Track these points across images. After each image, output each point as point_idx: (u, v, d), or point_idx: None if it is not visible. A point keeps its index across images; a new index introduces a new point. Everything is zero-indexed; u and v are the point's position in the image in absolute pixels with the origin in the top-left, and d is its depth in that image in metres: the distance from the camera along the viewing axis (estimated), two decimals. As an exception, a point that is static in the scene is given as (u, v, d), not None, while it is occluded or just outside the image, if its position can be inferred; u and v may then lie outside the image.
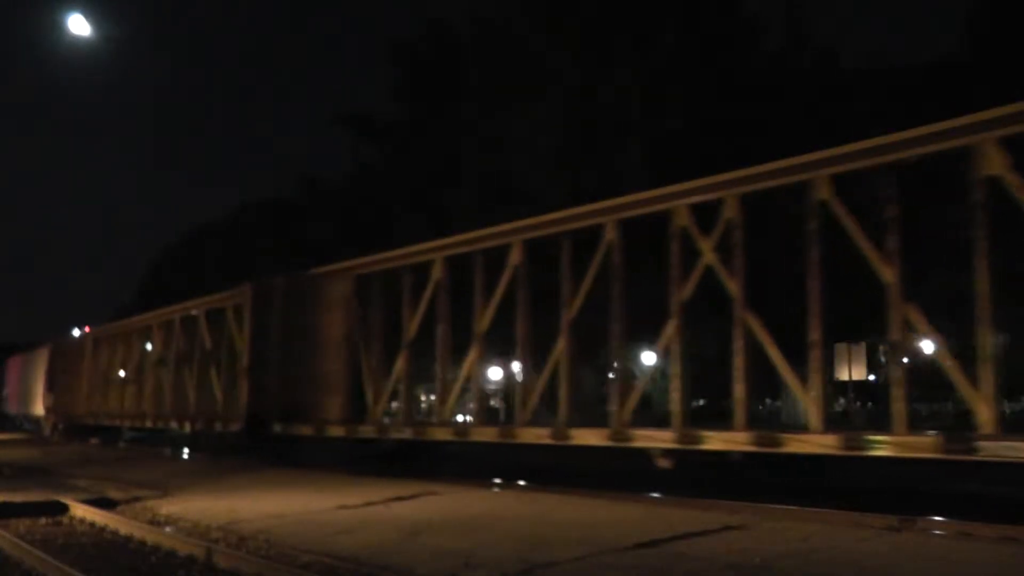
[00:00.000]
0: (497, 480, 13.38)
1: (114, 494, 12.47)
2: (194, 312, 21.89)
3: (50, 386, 32.19)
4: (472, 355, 13.99)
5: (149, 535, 9.16)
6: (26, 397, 38.53)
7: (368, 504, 10.68)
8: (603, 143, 23.74)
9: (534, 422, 12.85)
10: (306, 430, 16.44)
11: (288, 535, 8.70)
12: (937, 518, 8.81)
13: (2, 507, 11.02)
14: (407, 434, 14.76)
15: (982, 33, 21.82)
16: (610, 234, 11.66)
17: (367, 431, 15.40)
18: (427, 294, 14.55)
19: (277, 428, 16.78)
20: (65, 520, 10.81)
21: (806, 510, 9.34)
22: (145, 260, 75.40)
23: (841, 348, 20.54)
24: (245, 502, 11.33)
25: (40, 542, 9.06)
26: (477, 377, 14.60)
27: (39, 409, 35.20)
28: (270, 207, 42.37)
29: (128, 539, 9.32)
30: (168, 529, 9.64)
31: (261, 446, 17.32)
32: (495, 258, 13.43)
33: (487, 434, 13.41)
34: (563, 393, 12.36)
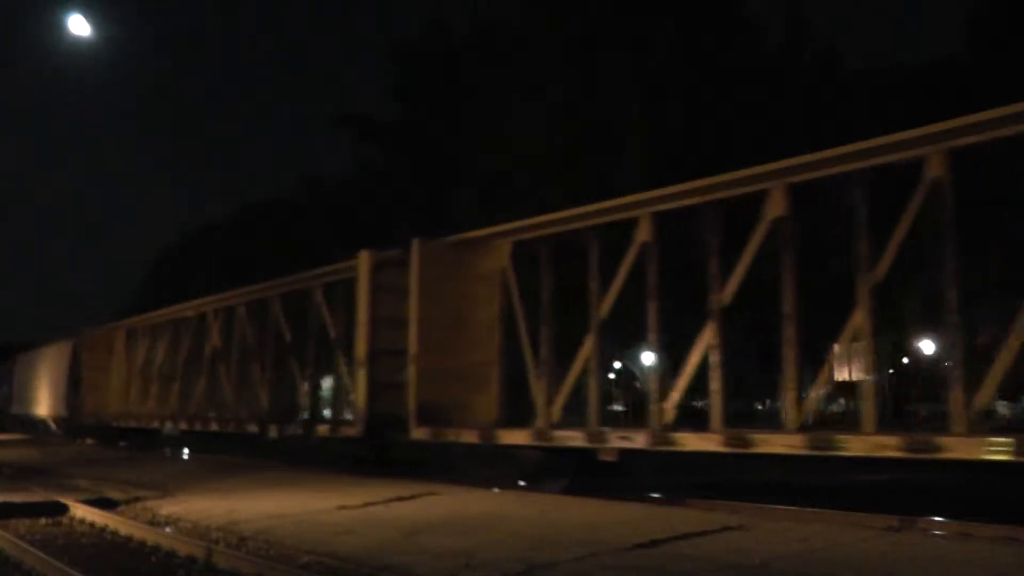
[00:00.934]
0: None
1: (114, 494, 12.46)
2: (263, 296, 18.75)
3: (74, 384, 28.13)
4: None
5: (149, 535, 9.16)
6: (33, 396, 35.64)
7: (368, 504, 10.68)
8: (603, 143, 23.74)
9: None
10: (468, 436, 12.63)
11: (288, 535, 8.70)
12: (937, 518, 8.81)
13: (2, 507, 11.02)
14: (580, 441, 11.47)
15: (982, 33, 21.82)
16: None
17: (567, 438, 11.62)
18: (628, 260, 11.56)
19: (419, 434, 13.21)
20: (65, 520, 10.81)
21: (806, 510, 9.35)
22: (145, 260, 75.35)
23: (843, 349, 20.49)
24: (245, 502, 11.33)
25: (40, 542, 9.06)
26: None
27: (46, 409, 32.37)
28: (270, 207, 42.38)
29: (128, 539, 9.32)
30: (168, 529, 9.64)
31: (387, 456, 14.29)
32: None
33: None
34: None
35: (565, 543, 7.76)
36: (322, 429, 15.82)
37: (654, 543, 7.58)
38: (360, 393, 14.15)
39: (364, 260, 14.42)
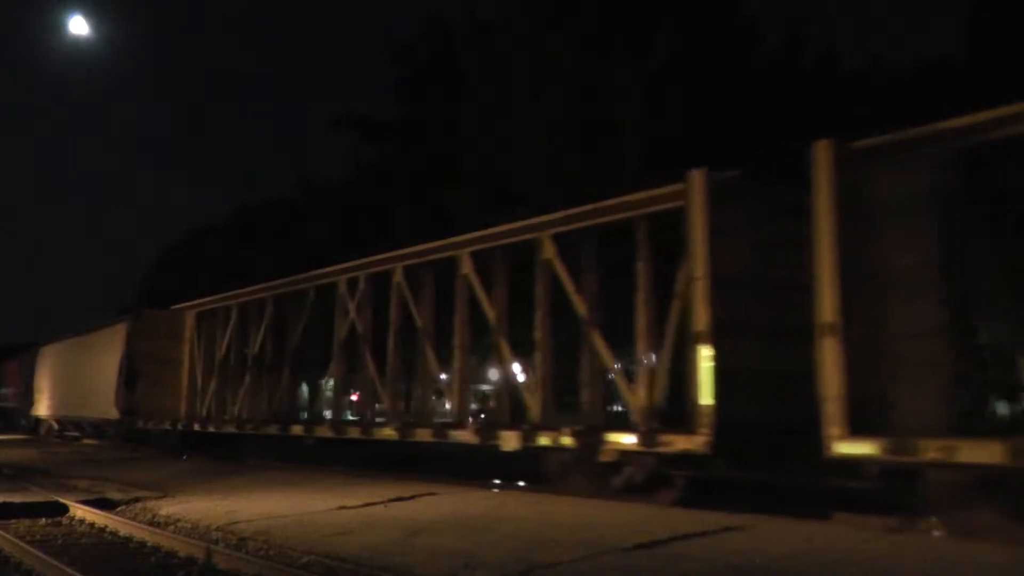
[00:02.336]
0: (497, 481, 13.37)
1: (114, 495, 12.46)
2: (408, 263, 15.01)
3: (128, 381, 22.60)
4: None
5: (149, 536, 9.16)
6: (67, 396, 30.05)
7: (368, 505, 10.68)
8: (603, 143, 23.73)
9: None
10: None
11: (288, 536, 8.70)
12: (937, 519, 8.79)
13: (2, 507, 11.02)
14: None
15: (982, 33, 21.82)
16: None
17: None
18: None
19: (858, 448, 8.16)
20: (65, 521, 10.81)
21: (806, 511, 9.33)
22: (145, 260, 75.34)
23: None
24: (245, 503, 11.34)
25: (40, 542, 9.07)
26: None
27: (92, 410, 26.20)
28: (270, 207, 42.33)
29: (128, 540, 9.32)
30: (168, 530, 9.63)
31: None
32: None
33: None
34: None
35: (565, 543, 7.75)
36: (618, 442, 10.65)
37: (654, 543, 7.58)
38: (701, 385, 9.64)
39: (697, 184, 10.01)
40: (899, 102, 20.10)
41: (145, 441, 23.08)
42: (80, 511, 11.01)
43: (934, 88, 20.10)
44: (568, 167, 23.61)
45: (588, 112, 24.18)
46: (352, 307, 16.17)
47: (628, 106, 23.49)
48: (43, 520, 10.74)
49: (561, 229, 12.17)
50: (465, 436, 12.96)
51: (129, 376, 22.69)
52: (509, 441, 12.01)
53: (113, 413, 23.66)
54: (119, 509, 11.38)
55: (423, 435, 13.85)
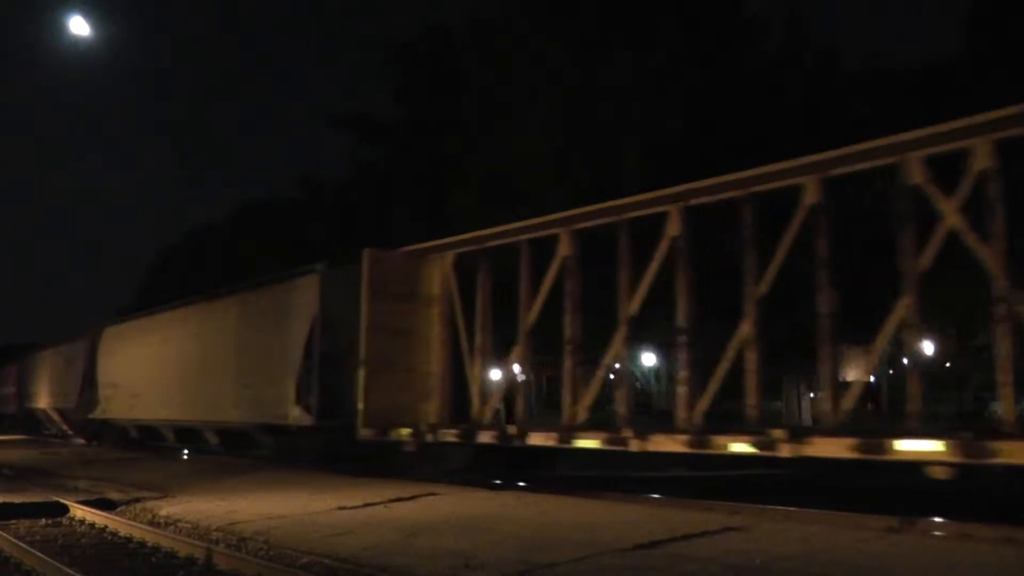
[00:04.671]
0: (497, 481, 13.36)
1: (114, 495, 12.47)
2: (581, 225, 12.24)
3: (325, 365, 15.39)
4: None
5: (149, 536, 9.16)
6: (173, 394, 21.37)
7: (368, 505, 10.68)
8: (603, 143, 23.73)
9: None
10: None
11: (288, 536, 8.70)
12: (937, 519, 8.80)
13: (2, 508, 11.02)
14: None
15: (982, 34, 21.83)
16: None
17: None
18: None
19: None
20: (65, 521, 10.81)
21: (806, 511, 9.33)
22: (145, 260, 75.41)
23: (852, 349, 20.36)
24: (245, 503, 11.33)
25: (40, 543, 9.06)
26: None
27: (240, 413, 17.79)
28: (270, 207, 42.37)
29: (128, 540, 9.32)
30: (168, 530, 9.63)
31: None
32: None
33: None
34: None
35: (565, 544, 7.75)
36: None
37: (654, 544, 7.58)
38: None
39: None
40: (899, 102, 20.11)
41: (386, 462, 14.36)
42: (80, 511, 11.01)
43: (934, 88, 20.11)
44: (568, 167, 23.62)
45: (588, 112, 24.18)
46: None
47: (628, 106, 23.50)
48: (43, 520, 10.73)
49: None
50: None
51: (327, 358, 15.31)
52: None
53: (295, 415, 15.66)
54: (119, 509, 11.38)
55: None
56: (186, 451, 21.92)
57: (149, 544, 8.92)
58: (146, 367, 22.74)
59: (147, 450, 22.22)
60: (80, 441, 28.19)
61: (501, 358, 13.77)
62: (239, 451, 18.95)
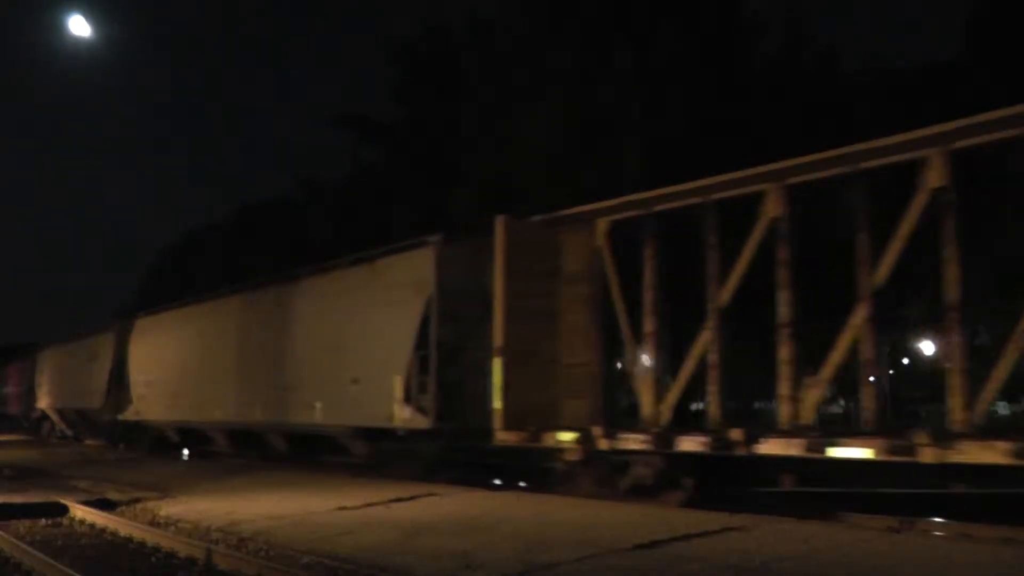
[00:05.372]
0: (497, 481, 13.36)
1: (114, 495, 12.48)
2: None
3: (442, 358, 13.07)
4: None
5: (149, 536, 9.16)
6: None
7: (368, 505, 10.68)
8: (603, 143, 23.72)
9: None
10: None
11: (288, 536, 8.71)
12: (937, 519, 8.80)
13: (2, 508, 11.04)
14: None
15: (982, 34, 21.82)
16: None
17: None
18: None
19: None
20: (65, 521, 10.82)
21: (806, 512, 9.33)
22: (145, 260, 75.40)
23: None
24: (245, 503, 11.34)
25: (40, 543, 9.07)
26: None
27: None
28: (270, 207, 42.35)
29: (128, 540, 9.32)
30: (168, 530, 9.63)
31: None
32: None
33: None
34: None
35: (565, 544, 7.75)
36: None
37: (654, 544, 7.58)
38: None
39: None
40: (899, 102, 20.11)
41: (528, 472, 13.02)
42: (80, 512, 11.02)
43: (934, 88, 20.11)
44: (568, 167, 23.61)
45: (588, 112, 24.17)
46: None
47: (628, 106, 23.49)
48: (43, 521, 10.74)
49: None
50: None
51: (445, 348, 13.02)
52: None
53: (403, 417, 13.30)
54: (119, 510, 11.39)
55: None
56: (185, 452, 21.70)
57: (149, 544, 8.92)
58: (192, 361, 20.16)
59: (197, 458, 20.04)
60: (91, 443, 26.45)
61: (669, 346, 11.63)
62: (312, 457, 16.73)
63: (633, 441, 10.63)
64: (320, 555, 7.70)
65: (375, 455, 14.61)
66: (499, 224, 12.15)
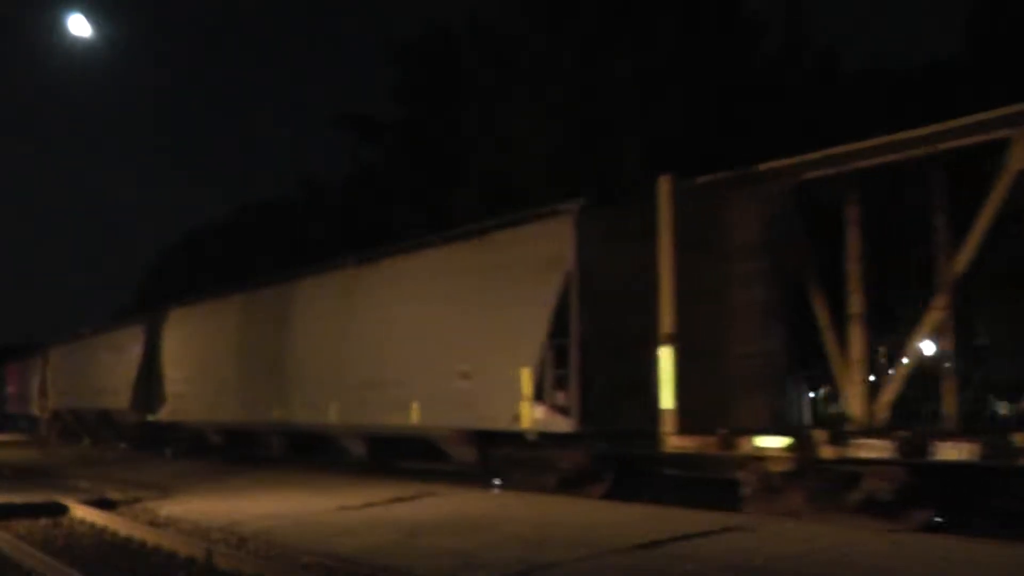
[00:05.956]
0: (497, 481, 13.33)
1: (114, 495, 12.47)
2: None
3: (584, 359, 11.04)
4: None
5: (149, 536, 9.16)
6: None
7: (368, 505, 10.68)
8: (603, 143, 23.73)
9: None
10: None
11: (288, 536, 8.70)
12: (939, 519, 8.79)
13: (2, 508, 11.03)
14: None
15: (982, 34, 21.82)
16: None
17: None
18: None
19: None
20: (65, 521, 10.81)
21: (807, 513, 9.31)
22: (145, 260, 75.39)
23: None
24: (245, 503, 11.34)
25: (40, 543, 9.07)
26: None
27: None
28: (270, 207, 42.37)
29: (128, 540, 9.32)
30: (168, 530, 9.63)
31: None
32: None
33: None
34: None
35: (565, 544, 7.75)
36: None
37: (654, 544, 7.58)
38: None
39: None
40: (899, 102, 20.11)
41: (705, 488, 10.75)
42: (80, 511, 11.01)
43: (935, 88, 20.11)
44: (568, 167, 23.61)
45: (588, 112, 24.18)
46: None
47: (628, 106, 23.49)
48: (43, 520, 10.73)
49: None
50: None
51: (590, 336, 10.98)
52: None
53: (536, 418, 11.27)
54: (119, 509, 11.37)
55: None
56: (169, 452, 21.35)
57: (149, 544, 8.92)
58: (245, 355, 18.02)
59: (243, 462, 17.62)
60: (114, 446, 24.41)
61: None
62: (392, 462, 14.88)
63: (871, 448, 8.48)
64: (321, 555, 7.69)
65: (487, 463, 12.59)
66: (664, 185, 10.13)
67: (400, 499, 11.04)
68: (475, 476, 13.13)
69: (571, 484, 11.30)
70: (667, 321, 9.87)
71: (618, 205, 11.42)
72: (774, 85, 23.40)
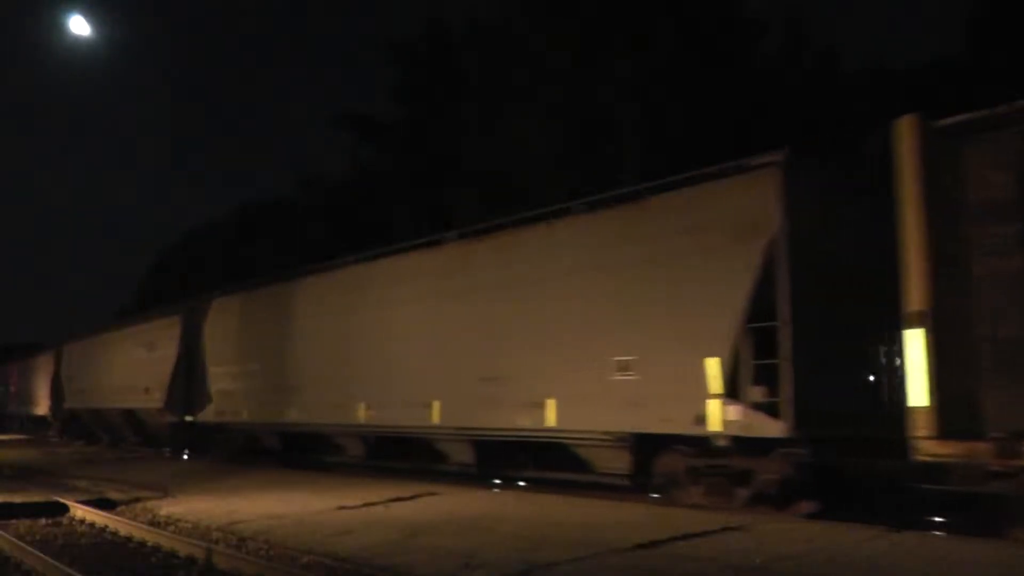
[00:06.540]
0: (497, 481, 13.32)
1: (114, 495, 12.47)
2: None
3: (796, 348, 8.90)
4: None
5: (149, 536, 9.16)
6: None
7: (368, 505, 10.68)
8: (603, 143, 23.74)
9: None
10: None
11: (288, 536, 8.70)
12: (938, 519, 8.79)
13: (2, 507, 11.03)
14: None
15: (982, 33, 21.82)
16: None
17: None
18: None
19: None
20: (65, 521, 10.81)
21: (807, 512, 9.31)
22: (145, 260, 75.42)
23: None
24: (245, 503, 11.33)
25: (40, 543, 9.07)
26: None
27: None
28: (270, 207, 42.38)
29: (128, 540, 9.32)
30: (168, 530, 9.62)
31: None
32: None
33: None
34: None
35: (565, 543, 7.75)
36: None
37: (654, 544, 7.58)
38: None
39: None
40: (900, 102, 20.09)
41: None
42: (80, 511, 11.01)
43: (935, 88, 20.11)
44: (568, 167, 23.62)
45: (588, 112, 24.19)
46: None
47: (628, 106, 23.50)
48: (43, 520, 10.73)
49: None
50: None
51: (804, 317, 9.05)
52: None
53: (729, 418, 9.40)
54: (119, 509, 11.37)
55: None
56: (186, 453, 21.44)
57: (149, 544, 8.92)
58: (314, 347, 16.04)
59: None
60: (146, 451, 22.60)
61: None
62: (502, 469, 12.80)
63: None
64: (320, 554, 7.69)
65: (643, 473, 10.57)
66: (906, 129, 8.12)
67: (399, 499, 11.04)
68: (475, 476, 13.12)
69: (768, 500, 9.40)
70: (915, 296, 7.85)
71: (838, 155, 9.61)
72: (774, 85, 23.39)
